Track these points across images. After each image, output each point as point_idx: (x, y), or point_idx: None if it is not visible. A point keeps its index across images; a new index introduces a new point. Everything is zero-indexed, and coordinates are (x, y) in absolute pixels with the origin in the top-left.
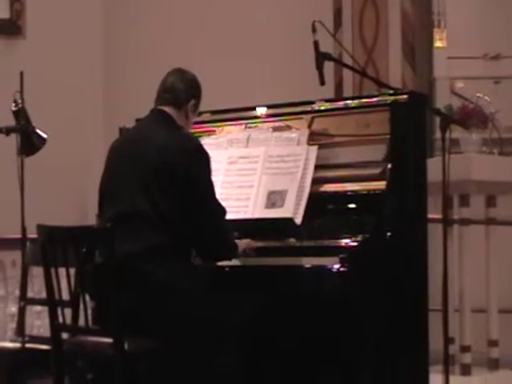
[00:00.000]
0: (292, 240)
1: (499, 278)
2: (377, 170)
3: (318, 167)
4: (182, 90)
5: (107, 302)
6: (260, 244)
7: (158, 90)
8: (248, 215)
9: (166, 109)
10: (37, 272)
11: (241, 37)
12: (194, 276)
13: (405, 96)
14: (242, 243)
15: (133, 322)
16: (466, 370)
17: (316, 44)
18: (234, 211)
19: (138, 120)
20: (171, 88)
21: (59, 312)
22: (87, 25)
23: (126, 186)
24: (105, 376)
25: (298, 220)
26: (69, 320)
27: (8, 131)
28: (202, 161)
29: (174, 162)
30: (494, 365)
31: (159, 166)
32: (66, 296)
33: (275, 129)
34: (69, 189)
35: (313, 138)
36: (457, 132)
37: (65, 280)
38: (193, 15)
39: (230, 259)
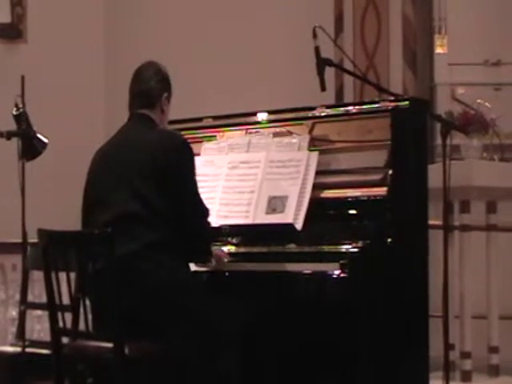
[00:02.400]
0: (292, 246)
1: (500, 284)
2: (378, 176)
3: (318, 173)
4: (152, 89)
5: (107, 307)
6: (261, 249)
7: (129, 88)
8: (249, 220)
9: (143, 111)
10: (37, 276)
11: (242, 42)
12: (191, 272)
13: (406, 102)
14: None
15: (134, 323)
16: (466, 377)
17: (317, 50)
18: (235, 216)
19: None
20: (142, 91)
21: (59, 316)
22: (89, 29)
23: (117, 190)
24: (105, 380)
25: (299, 226)
26: (69, 324)
27: (9, 135)
28: (187, 157)
29: (161, 160)
30: (494, 371)
31: (147, 166)
32: (66, 300)
33: (276, 134)
34: (70, 193)
35: (314, 143)
36: (457, 138)
37: (65, 284)
38: (194, 21)
39: (202, 262)
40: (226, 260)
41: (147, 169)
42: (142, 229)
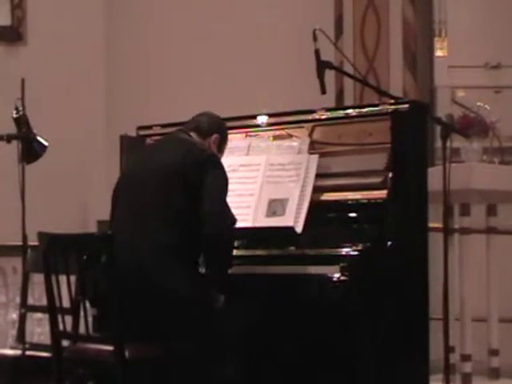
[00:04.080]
0: (292, 248)
1: (500, 286)
2: (378, 179)
3: (318, 176)
4: (204, 122)
5: (108, 309)
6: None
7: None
8: (249, 223)
9: (191, 133)
10: (37, 279)
11: (242, 45)
12: (200, 282)
13: (406, 105)
14: None
15: (135, 326)
16: (466, 379)
17: (317, 52)
18: None
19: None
20: (194, 120)
21: (60, 319)
22: (89, 31)
23: (142, 191)
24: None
25: (299, 228)
26: (69, 327)
27: (9, 138)
28: (218, 166)
29: (189, 171)
30: (494, 374)
31: (175, 174)
32: (66, 303)
33: (276, 137)
34: (70, 196)
35: (314, 146)
36: (457, 141)
37: (65, 287)
38: (195, 23)
39: (225, 264)
40: None
41: (175, 175)
42: (160, 229)
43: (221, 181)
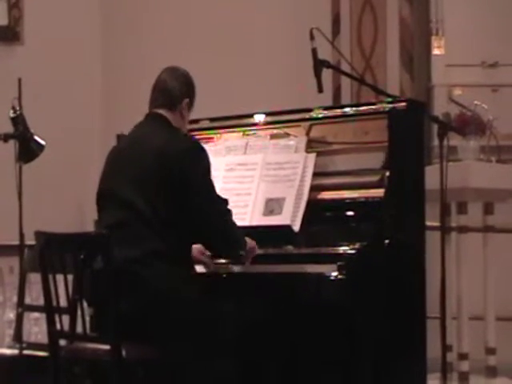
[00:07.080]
0: (290, 247)
1: (497, 285)
2: (375, 178)
3: (316, 174)
4: (174, 90)
5: (106, 309)
6: (258, 251)
7: (151, 90)
8: (246, 222)
9: (161, 111)
10: (34, 278)
11: (239, 44)
12: (193, 282)
13: (403, 103)
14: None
15: (131, 328)
16: (463, 378)
17: (314, 51)
18: None
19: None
20: (164, 89)
21: (57, 319)
22: (85, 31)
23: (125, 192)
24: (102, 383)
25: (296, 227)
26: (66, 327)
27: (6, 138)
28: (198, 160)
29: (171, 164)
30: (491, 372)
31: (157, 169)
32: (63, 303)
33: (273, 136)
34: (67, 195)
35: (311, 145)
36: (455, 139)
37: (62, 286)
38: (191, 22)
39: (240, 254)
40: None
41: (157, 172)
42: (147, 233)
43: (201, 178)
